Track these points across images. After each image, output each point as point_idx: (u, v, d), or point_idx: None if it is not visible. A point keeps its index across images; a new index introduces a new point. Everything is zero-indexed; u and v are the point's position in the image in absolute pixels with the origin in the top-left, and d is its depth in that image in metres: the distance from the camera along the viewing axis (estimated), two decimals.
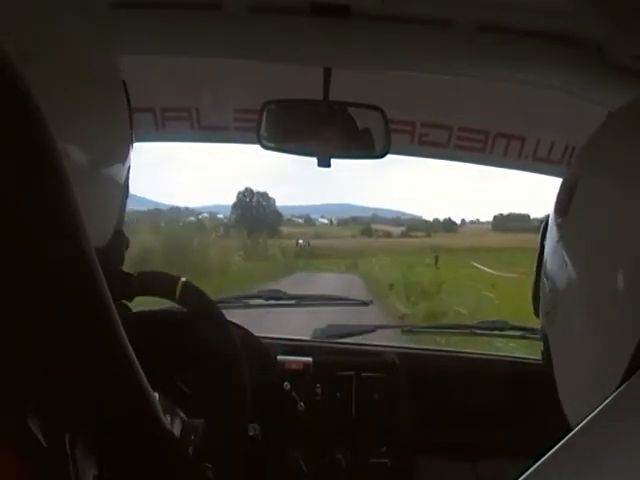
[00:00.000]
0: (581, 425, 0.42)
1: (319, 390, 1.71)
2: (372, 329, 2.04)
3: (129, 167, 0.82)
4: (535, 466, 0.40)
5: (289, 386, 1.68)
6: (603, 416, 0.42)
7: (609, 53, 1.19)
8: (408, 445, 1.75)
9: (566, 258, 0.60)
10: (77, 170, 0.62)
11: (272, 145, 1.50)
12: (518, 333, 2.01)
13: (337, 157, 1.50)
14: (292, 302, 2.09)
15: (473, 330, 2.05)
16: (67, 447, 0.37)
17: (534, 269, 0.73)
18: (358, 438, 1.73)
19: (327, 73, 1.38)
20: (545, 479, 0.40)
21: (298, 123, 1.48)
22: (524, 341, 2.02)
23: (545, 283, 0.66)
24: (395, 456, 1.72)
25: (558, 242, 0.62)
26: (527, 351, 2.34)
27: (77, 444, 0.38)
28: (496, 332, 2.06)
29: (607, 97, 1.23)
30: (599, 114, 1.54)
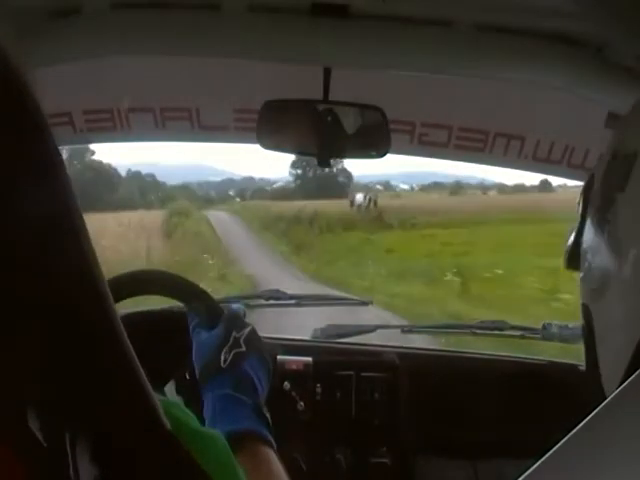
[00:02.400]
0: (581, 425, 0.42)
1: (319, 390, 1.71)
2: (372, 329, 2.04)
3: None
4: (535, 466, 0.40)
5: (289, 386, 1.69)
6: (603, 416, 0.42)
7: (609, 53, 1.19)
8: (408, 445, 1.75)
9: (621, 236, 0.57)
10: None
11: (272, 145, 1.50)
12: (518, 333, 2.01)
13: (337, 157, 1.50)
14: (292, 302, 2.09)
15: (473, 330, 2.05)
16: (67, 447, 0.37)
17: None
18: (358, 438, 1.73)
19: (327, 73, 1.38)
20: (545, 479, 0.40)
21: (298, 123, 1.48)
22: (524, 341, 2.02)
23: (589, 257, 0.62)
24: (395, 456, 1.72)
25: (609, 218, 0.58)
26: (527, 351, 2.34)
27: (77, 444, 0.38)
28: (496, 332, 2.06)
29: (607, 97, 1.23)
30: (599, 114, 1.54)
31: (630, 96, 1.19)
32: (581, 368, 1.78)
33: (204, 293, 1.13)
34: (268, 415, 0.92)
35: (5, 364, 0.35)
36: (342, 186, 24.47)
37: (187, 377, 1.15)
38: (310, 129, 1.47)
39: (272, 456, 0.85)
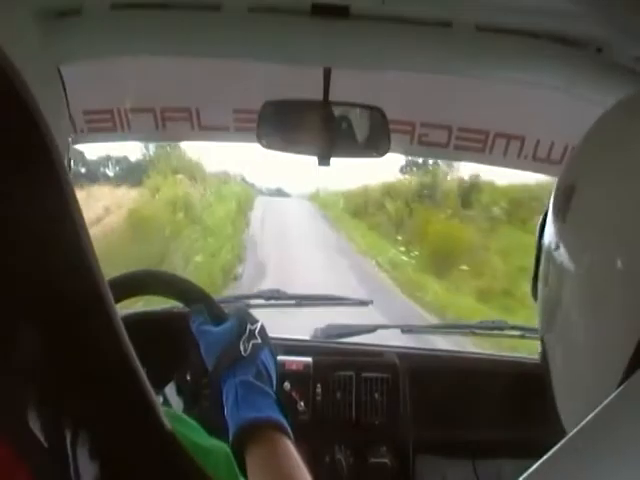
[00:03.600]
0: (581, 425, 0.42)
1: (319, 390, 1.71)
2: (372, 329, 2.04)
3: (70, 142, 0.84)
4: (535, 466, 0.40)
5: (289, 386, 1.68)
6: (603, 416, 0.42)
7: (609, 53, 1.19)
8: (408, 445, 1.75)
9: (565, 264, 0.59)
10: None
11: (272, 145, 1.50)
12: (518, 333, 2.01)
13: (337, 156, 1.50)
14: (292, 302, 2.09)
15: (473, 330, 2.05)
16: (68, 447, 0.37)
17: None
18: (358, 438, 1.73)
19: (327, 73, 1.38)
20: (545, 479, 0.40)
21: (298, 123, 1.48)
22: (524, 341, 2.02)
23: (542, 287, 0.65)
24: (395, 456, 1.72)
25: (556, 246, 0.62)
26: (527, 351, 2.34)
27: (78, 444, 0.38)
28: (496, 332, 2.06)
29: (607, 97, 1.23)
30: (599, 114, 1.54)
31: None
32: None
33: (204, 294, 1.13)
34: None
35: (6, 365, 0.35)
36: None
37: (188, 378, 1.15)
38: (310, 129, 1.47)
39: (291, 447, 0.86)
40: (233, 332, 0.99)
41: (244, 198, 18.71)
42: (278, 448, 0.85)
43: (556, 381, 0.65)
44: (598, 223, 0.56)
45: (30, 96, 0.36)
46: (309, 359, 1.74)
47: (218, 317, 1.06)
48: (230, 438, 0.85)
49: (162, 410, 0.42)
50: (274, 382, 0.97)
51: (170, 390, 1.21)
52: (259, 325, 1.02)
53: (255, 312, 1.98)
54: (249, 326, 1.00)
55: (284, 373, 1.68)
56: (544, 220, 0.67)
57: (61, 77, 0.79)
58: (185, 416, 0.60)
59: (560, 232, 0.61)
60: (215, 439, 0.69)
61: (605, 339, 0.53)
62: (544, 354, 0.67)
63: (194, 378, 1.14)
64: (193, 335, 1.05)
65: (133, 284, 1.15)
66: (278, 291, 2.08)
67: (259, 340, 0.98)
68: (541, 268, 0.66)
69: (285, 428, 0.88)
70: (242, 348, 0.96)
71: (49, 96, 0.98)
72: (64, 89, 0.84)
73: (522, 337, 1.99)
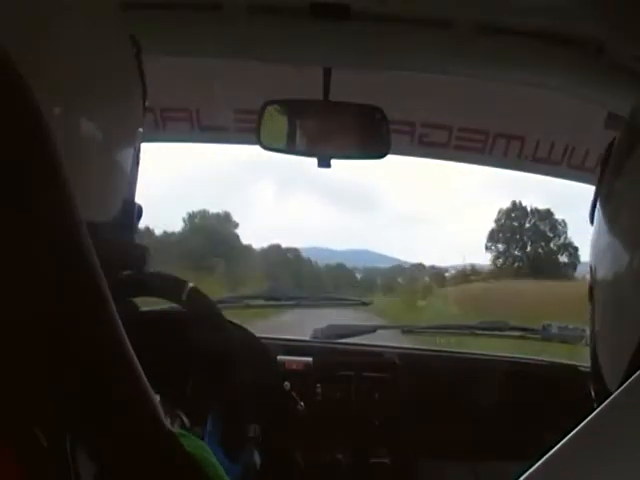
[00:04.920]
0: (581, 425, 0.42)
1: (319, 390, 1.71)
2: (372, 329, 2.04)
3: (140, 134, 0.83)
4: (535, 466, 0.40)
5: (289, 386, 1.69)
6: (603, 416, 0.42)
7: (609, 53, 1.19)
8: (408, 445, 1.75)
9: (622, 218, 0.58)
10: (88, 138, 0.62)
11: (272, 146, 1.50)
12: (518, 333, 2.01)
13: (337, 158, 1.50)
14: (292, 302, 2.10)
15: (473, 330, 2.05)
16: (68, 447, 0.37)
17: None
18: (358, 438, 1.73)
19: (327, 73, 1.38)
20: (545, 479, 0.40)
21: (298, 124, 1.48)
22: (524, 341, 2.02)
23: (597, 219, 0.63)
24: (395, 456, 1.72)
25: (613, 199, 0.59)
26: (527, 351, 2.34)
27: (78, 444, 0.38)
28: (496, 332, 2.06)
29: (607, 97, 1.23)
30: (599, 114, 1.54)
31: (630, 96, 1.19)
32: (581, 368, 1.78)
33: (204, 297, 1.13)
34: None
35: (6, 365, 0.35)
36: (566, 266, 18.67)
37: (188, 393, 1.15)
38: (310, 130, 1.47)
39: None
40: None
41: None
42: None
43: (600, 344, 0.63)
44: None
45: (32, 95, 0.36)
46: (309, 359, 1.74)
47: (234, 451, 1.06)
48: None
49: (162, 410, 0.42)
50: None
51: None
52: None
53: (255, 312, 1.99)
54: None
55: (284, 373, 1.69)
56: (607, 153, 0.65)
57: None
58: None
59: (617, 185, 0.59)
60: None
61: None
62: (592, 283, 0.65)
63: (194, 392, 1.14)
64: (192, 336, 1.05)
65: (133, 285, 1.14)
66: (278, 291, 2.08)
67: None
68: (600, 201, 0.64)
69: None
70: None
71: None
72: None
73: (522, 337, 1.99)
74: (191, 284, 1.14)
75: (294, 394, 1.69)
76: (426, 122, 1.81)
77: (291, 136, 1.51)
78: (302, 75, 1.48)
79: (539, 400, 1.74)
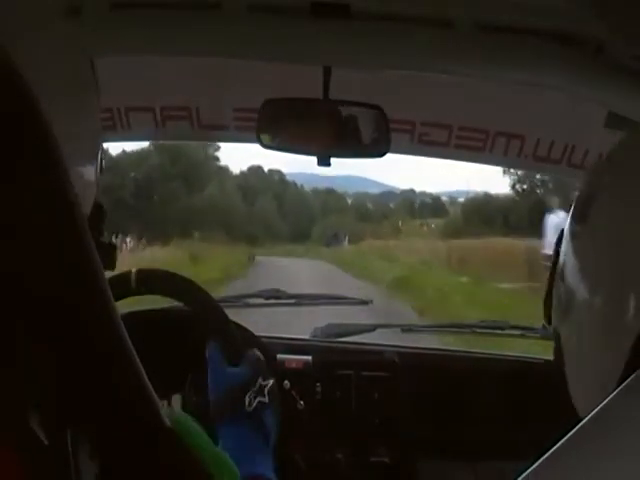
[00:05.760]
0: (581, 425, 0.42)
1: (319, 389, 1.71)
2: (372, 328, 2.04)
3: (102, 143, 0.84)
4: (535, 466, 0.40)
5: (289, 385, 1.68)
6: (603, 416, 0.42)
7: (609, 53, 1.19)
8: (408, 445, 1.75)
9: (583, 263, 0.61)
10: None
11: (272, 144, 1.50)
12: (518, 333, 2.02)
13: (336, 156, 1.50)
14: (292, 301, 2.10)
15: (473, 329, 2.05)
16: (69, 445, 0.37)
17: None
18: (358, 438, 1.73)
19: (327, 72, 1.38)
20: (545, 479, 0.40)
21: (298, 122, 1.48)
22: (524, 341, 2.02)
23: (561, 285, 0.67)
24: (395, 456, 1.72)
25: (575, 248, 0.63)
26: (527, 351, 2.34)
27: (78, 442, 0.38)
28: (496, 332, 2.06)
29: (607, 97, 1.23)
30: (599, 114, 1.54)
31: (630, 96, 1.19)
32: None
33: (228, 324, 1.11)
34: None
35: (6, 364, 0.35)
36: None
37: (194, 396, 1.14)
38: (310, 128, 1.47)
39: None
40: (239, 381, 0.97)
41: None
42: None
43: (570, 376, 0.65)
44: (614, 231, 0.57)
45: (30, 94, 0.36)
46: (309, 358, 1.74)
47: (234, 355, 1.04)
48: None
49: (162, 409, 0.42)
50: (271, 442, 0.96)
51: (175, 406, 1.21)
52: (271, 382, 1.01)
53: (255, 311, 2.00)
54: (260, 381, 0.98)
55: (284, 372, 1.69)
56: (562, 231, 0.69)
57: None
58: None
59: (579, 234, 0.63)
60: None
61: (616, 342, 0.54)
62: (557, 345, 0.68)
63: (200, 396, 1.13)
64: (189, 335, 1.04)
65: (133, 283, 1.14)
66: (278, 290, 2.08)
67: (266, 399, 0.97)
68: (560, 271, 0.67)
69: None
70: (247, 401, 0.95)
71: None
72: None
73: (522, 337, 1.99)
74: (134, 269, 1.12)
75: (293, 393, 1.69)
76: (426, 121, 1.81)
77: (291, 134, 1.51)
78: (302, 74, 1.48)
79: (539, 400, 1.74)
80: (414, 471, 1.76)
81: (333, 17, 1.21)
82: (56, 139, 0.37)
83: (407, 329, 2.06)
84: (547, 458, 0.40)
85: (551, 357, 1.95)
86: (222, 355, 1.02)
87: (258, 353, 1.05)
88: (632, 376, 0.45)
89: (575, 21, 1.14)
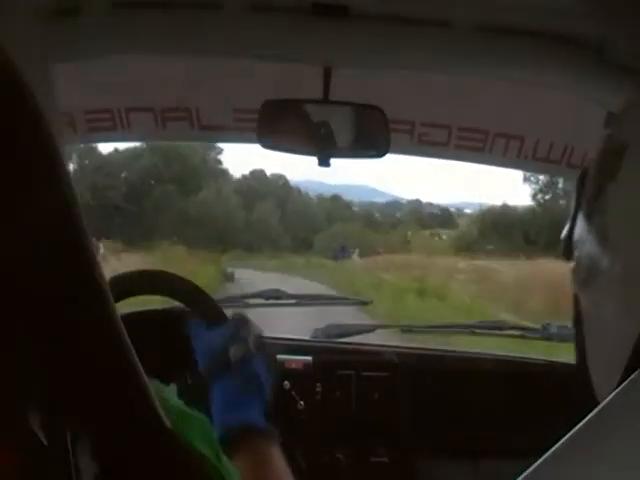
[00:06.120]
0: (581, 424, 0.42)
1: (319, 389, 1.71)
2: (372, 329, 2.04)
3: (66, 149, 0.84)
4: (535, 466, 0.40)
5: (289, 385, 1.69)
6: (603, 416, 0.42)
7: (609, 53, 1.19)
8: (408, 445, 1.75)
9: (609, 226, 0.58)
10: None
11: (272, 145, 1.50)
12: (518, 333, 2.02)
13: (337, 157, 1.50)
14: (292, 302, 2.10)
15: (473, 330, 2.05)
16: (68, 446, 0.37)
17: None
18: (358, 438, 1.73)
19: (327, 73, 1.38)
20: (545, 478, 0.40)
21: (298, 123, 1.48)
22: (524, 341, 2.03)
23: (581, 245, 0.64)
24: (395, 456, 1.72)
25: (599, 208, 0.60)
26: (527, 351, 2.34)
27: (78, 443, 0.38)
28: (496, 332, 2.06)
29: (607, 97, 1.23)
30: (599, 114, 1.54)
31: (630, 96, 1.19)
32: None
33: (206, 295, 1.13)
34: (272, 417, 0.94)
35: (6, 364, 0.35)
36: None
37: (188, 381, 1.15)
38: (310, 129, 1.47)
39: (277, 452, 0.87)
40: (225, 338, 0.98)
41: None
42: (261, 453, 0.86)
43: (589, 345, 0.63)
44: None
45: (30, 95, 0.36)
46: (309, 358, 1.74)
47: (215, 321, 1.05)
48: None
49: (162, 409, 0.42)
50: (265, 391, 0.96)
51: (171, 393, 1.21)
52: (255, 334, 1.01)
53: (255, 312, 2.00)
54: (243, 334, 0.99)
55: (284, 372, 1.69)
56: (583, 176, 0.66)
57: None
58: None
59: (608, 192, 0.59)
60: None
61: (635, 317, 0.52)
62: (577, 311, 0.66)
63: (195, 381, 1.14)
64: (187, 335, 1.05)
65: (133, 283, 1.15)
66: (278, 291, 2.08)
67: (252, 349, 0.97)
68: (579, 227, 0.64)
69: (271, 433, 0.89)
70: (232, 354, 0.96)
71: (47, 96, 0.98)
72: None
73: (522, 337, 1.99)
74: (135, 270, 1.13)
75: (294, 393, 1.69)
76: (426, 121, 1.81)
77: (291, 135, 1.51)
78: (302, 74, 1.48)
79: (539, 400, 1.74)
80: (414, 471, 1.76)
81: (334, 17, 1.21)
82: (55, 139, 0.37)
83: (407, 330, 2.06)
84: (547, 458, 0.40)
85: (551, 358, 1.95)
86: (203, 323, 1.04)
87: (242, 313, 1.05)
88: (632, 376, 0.44)
89: (575, 21, 1.14)
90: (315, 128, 1.47)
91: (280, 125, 1.48)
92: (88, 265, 0.38)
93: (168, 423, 0.43)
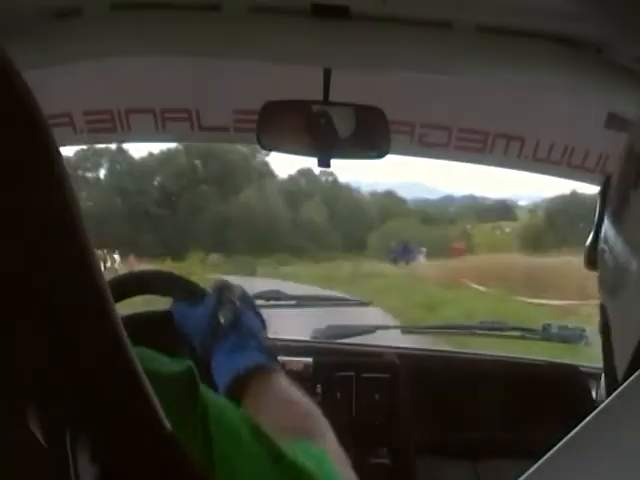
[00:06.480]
0: (581, 425, 0.42)
1: (319, 391, 1.71)
2: (372, 330, 2.04)
3: None
4: (535, 466, 0.40)
5: None
6: (603, 416, 0.42)
7: (609, 53, 1.19)
8: (408, 445, 1.75)
9: (635, 234, 0.57)
10: None
11: (272, 145, 1.51)
12: (518, 333, 2.02)
13: (337, 157, 1.50)
14: (292, 302, 2.10)
15: (473, 330, 2.05)
16: (68, 447, 0.37)
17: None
18: (358, 438, 1.73)
19: (327, 74, 1.38)
20: (545, 479, 0.40)
21: (298, 124, 1.48)
22: (524, 341, 2.03)
23: (607, 254, 0.63)
24: (395, 457, 1.72)
25: (624, 217, 0.59)
26: (527, 351, 2.34)
27: (78, 444, 0.38)
28: (496, 332, 2.06)
29: (607, 97, 1.23)
30: (599, 114, 1.54)
31: (630, 96, 1.19)
32: (581, 369, 1.79)
33: (180, 277, 1.12)
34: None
35: (5, 364, 0.35)
36: None
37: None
38: (310, 130, 1.47)
39: (282, 380, 0.87)
40: (210, 307, 0.97)
41: None
42: (268, 387, 0.86)
43: (617, 352, 0.62)
44: None
45: (30, 95, 0.36)
46: (309, 359, 1.74)
47: (197, 297, 1.04)
48: (222, 391, 0.86)
49: (162, 411, 0.42)
50: (261, 340, 0.96)
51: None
52: (239, 291, 1.00)
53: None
54: (227, 296, 0.98)
55: (284, 373, 1.68)
56: (606, 185, 0.65)
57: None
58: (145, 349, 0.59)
59: (631, 200, 0.58)
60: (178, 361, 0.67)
61: None
62: (604, 319, 0.65)
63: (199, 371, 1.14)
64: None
65: (131, 284, 1.14)
66: (278, 291, 2.08)
67: (238, 305, 0.97)
68: (603, 236, 0.64)
69: (273, 366, 0.89)
70: (221, 320, 0.95)
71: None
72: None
73: (522, 337, 1.99)
74: (135, 270, 1.13)
75: None
76: (426, 122, 1.81)
77: (291, 136, 1.51)
78: (302, 76, 1.48)
79: (539, 400, 1.74)
80: (414, 472, 1.76)
81: (333, 19, 1.21)
82: (54, 139, 0.37)
83: (407, 331, 2.06)
84: (547, 458, 0.40)
85: (550, 358, 1.94)
86: (186, 305, 1.03)
87: (220, 279, 1.05)
88: (632, 376, 0.44)
89: (576, 22, 1.14)
90: (315, 129, 1.47)
91: (280, 126, 1.48)
92: (87, 266, 0.38)
93: (169, 426, 0.43)
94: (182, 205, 28.63)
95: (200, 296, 1.04)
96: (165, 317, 1.23)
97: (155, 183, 29.83)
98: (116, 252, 19.51)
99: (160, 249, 22.64)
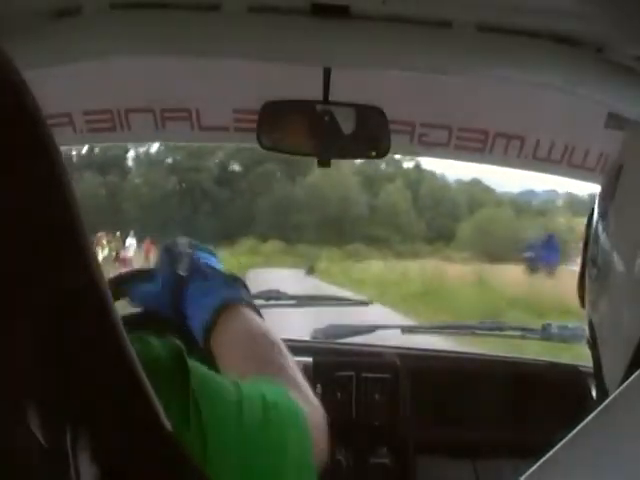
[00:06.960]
0: (581, 425, 0.42)
1: (319, 390, 1.71)
2: (372, 329, 2.04)
3: None
4: (535, 466, 0.40)
5: None
6: (603, 416, 0.42)
7: (609, 53, 1.19)
8: (408, 445, 1.75)
9: (611, 244, 0.59)
10: None
11: (272, 145, 1.51)
12: (518, 333, 2.02)
13: (337, 157, 1.50)
14: (292, 302, 2.10)
15: (473, 330, 2.05)
16: (68, 447, 0.37)
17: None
18: (358, 438, 1.73)
19: (327, 73, 1.38)
20: (545, 479, 0.40)
21: (298, 123, 1.48)
22: (524, 341, 2.03)
23: (591, 271, 0.65)
24: (395, 457, 1.72)
25: (603, 229, 0.61)
26: (527, 351, 2.34)
27: (78, 444, 0.38)
28: (496, 332, 2.06)
29: (607, 97, 1.23)
30: (599, 114, 1.54)
31: (630, 96, 1.19)
32: (581, 369, 1.79)
33: (128, 273, 1.11)
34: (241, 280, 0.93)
35: (5, 364, 0.35)
36: None
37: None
38: (310, 129, 1.47)
39: (246, 314, 0.85)
40: (168, 268, 0.95)
41: None
42: (239, 321, 0.84)
43: (605, 364, 0.64)
44: None
45: (30, 94, 0.36)
46: (309, 359, 1.74)
47: (148, 274, 1.03)
48: (200, 342, 0.85)
49: (162, 411, 0.42)
50: (224, 274, 0.94)
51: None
52: (184, 241, 0.99)
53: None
54: (177, 250, 0.97)
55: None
56: (592, 211, 0.67)
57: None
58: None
59: (610, 212, 0.61)
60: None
61: None
62: (592, 335, 0.66)
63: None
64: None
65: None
66: (278, 291, 2.08)
67: (190, 251, 0.96)
68: (590, 253, 0.66)
69: (240, 298, 0.87)
70: (181, 272, 0.93)
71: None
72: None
73: (522, 337, 1.99)
74: (135, 269, 1.12)
75: None
76: (426, 122, 1.81)
77: (291, 136, 1.51)
78: (302, 75, 1.48)
79: (539, 400, 1.74)
80: (414, 473, 1.76)
81: (333, 18, 1.21)
82: (53, 139, 0.37)
83: (407, 330, 2.06)
84: (547, 458, 0.40)
85: (550, 358, 1.95)
86: (140, 283, 1.00)
87: (165, 244, 1.03)
88: (632, 376, 0.44)
89: (575, 22, 1.14)
90: (315, 129, 1.47)
91: (280, 126, 1.48)
92: (87, 266, 0.38)
93: (169, 425, 0.43)
94: (243, 186, 26.07)
95: (150, 271, 1.01)
96: (141, 315, 1.21)
97: (216, 160, 26.88)
98: (132, 235, 18.74)
99: (214, 233, 20.58)
